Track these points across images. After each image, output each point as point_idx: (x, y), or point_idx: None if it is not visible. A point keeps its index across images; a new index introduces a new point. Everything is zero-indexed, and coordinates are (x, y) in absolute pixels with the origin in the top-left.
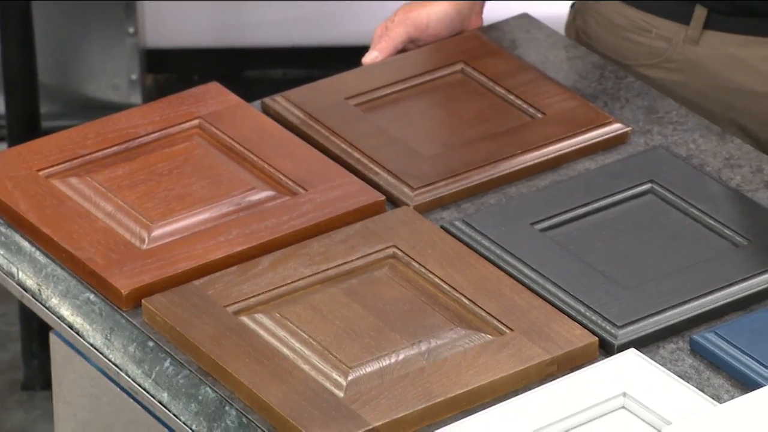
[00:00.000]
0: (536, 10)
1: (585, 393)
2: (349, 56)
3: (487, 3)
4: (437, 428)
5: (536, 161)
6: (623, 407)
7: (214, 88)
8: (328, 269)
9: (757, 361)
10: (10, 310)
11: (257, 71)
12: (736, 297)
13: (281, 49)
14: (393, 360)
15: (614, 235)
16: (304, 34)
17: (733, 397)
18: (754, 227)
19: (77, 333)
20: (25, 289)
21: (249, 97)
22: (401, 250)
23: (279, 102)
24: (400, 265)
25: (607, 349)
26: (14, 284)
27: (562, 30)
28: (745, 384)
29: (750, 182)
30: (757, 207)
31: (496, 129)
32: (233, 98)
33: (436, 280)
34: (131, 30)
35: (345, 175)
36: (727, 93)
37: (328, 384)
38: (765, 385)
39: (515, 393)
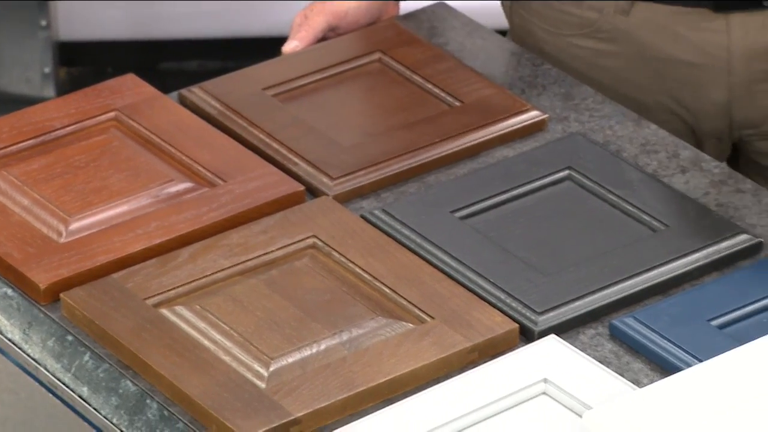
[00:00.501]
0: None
1: (506, 379)
2: (264, 47)
3: None
4: (359, 417)
5: (455, 149)
6: (544, 393)
7: (131, 79)
8: (247, 260)
9: (676, 344)
10: None
11: (172, 63)
12: (655, 282)
13: (196, 40)
14: (314, 350)
15: (533, 221)
16: (219, 26)
17: (652, 381)
18: (671, 212)
19: None
20: None
21: (164, 90)
22: (321, 240)
23: (196, 93)
24: (320, 255)
25: (527, 335)
26: None
27: (479, 17)
28: (664, 368)
29: (666, 167)
30: (674, 192)
31: (415, 118)
32: (150, 90)
33: (357, 269)
34: (44, 23)
35: (264, 165)
36: (658, 63)
37: (249, 375)
38: (683, 369)
39: (437, 381)
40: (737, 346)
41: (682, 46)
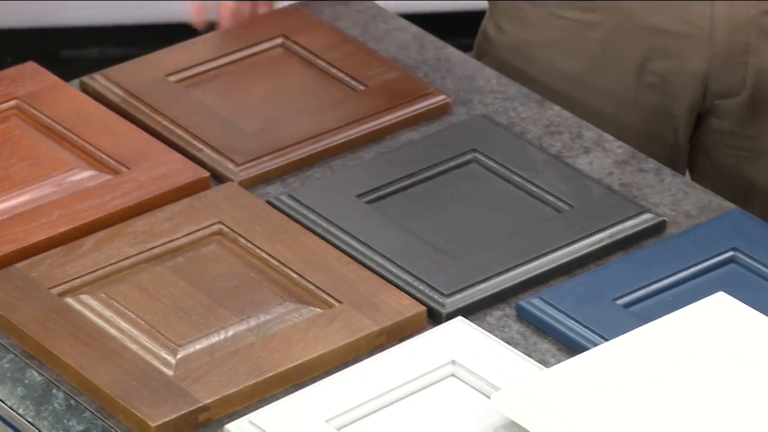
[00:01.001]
0: None
1: (414, 362)
2: (166, 33)
3: None
4: (268, 403)
5: (360, 134)
6: (452, 375)
7: (31, 67)
8: (153, 248)
9: (582, 324)
10: None
11: (73, 51)
12: (560, 262)
13: (97, 27)
14: (222, 336)
15: (439, 204)
16: (120, 12)
17: (559, 361)
18: (575, 193)
19: None
20: None
21: (66, 77)
22: (227, 227)
23: (98, 80)
24: (226, 242)
25: (435, 318)
26: None
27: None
28: (571, 347)
29: (570, 148)
30: (578, 173)
31: (319, 102)
32: (51, 78)
33: (264, 255)
34: None
35: (168, 152)
36: (640, 33)
37: (157, 363)
38: (590, 348)
39: (345, 365)
40: (642, 325)
41: (666, 15)
